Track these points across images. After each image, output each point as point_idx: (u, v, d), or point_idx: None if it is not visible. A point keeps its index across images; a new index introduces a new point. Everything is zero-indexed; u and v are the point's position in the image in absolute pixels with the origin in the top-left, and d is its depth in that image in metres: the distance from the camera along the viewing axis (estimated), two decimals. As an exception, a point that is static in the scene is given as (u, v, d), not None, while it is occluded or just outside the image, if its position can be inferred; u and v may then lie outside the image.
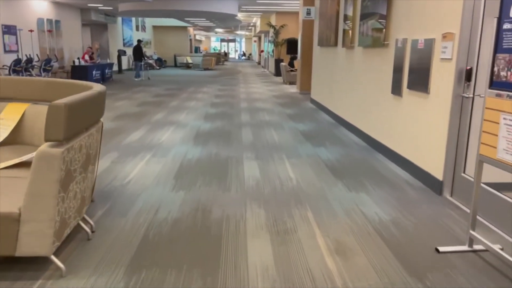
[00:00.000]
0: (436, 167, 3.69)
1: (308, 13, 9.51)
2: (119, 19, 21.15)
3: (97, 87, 2.83)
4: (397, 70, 4.55)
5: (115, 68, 20.21)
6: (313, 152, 5.19)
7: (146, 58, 17.24)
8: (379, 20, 5.06)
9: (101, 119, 3.08)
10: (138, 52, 16.27)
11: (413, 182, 3.99)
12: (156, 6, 14.25)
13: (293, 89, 13.37)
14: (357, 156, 5.03)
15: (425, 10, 3.97)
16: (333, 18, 7.54)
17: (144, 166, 4.43)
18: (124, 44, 22.00)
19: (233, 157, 4.86)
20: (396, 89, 4.57)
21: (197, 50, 35.57)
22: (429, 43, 3.80)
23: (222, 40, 56.95)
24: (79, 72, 13.17)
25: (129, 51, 22.69)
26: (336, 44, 7.40)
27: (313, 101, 9.76)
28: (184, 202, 3.44)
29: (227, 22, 24.31)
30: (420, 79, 3.99)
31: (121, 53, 19.97)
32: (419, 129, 4.04)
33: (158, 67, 24.58)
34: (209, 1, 14.75)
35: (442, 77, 3.60)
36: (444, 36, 3.54)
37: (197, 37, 46.33)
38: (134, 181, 3.93)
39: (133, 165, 4.46)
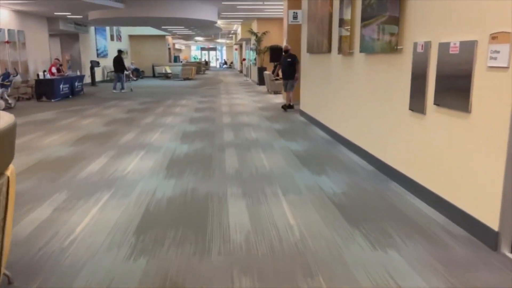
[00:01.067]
0: (488, 212, 2.77)
1: (295, 17, 8.63)
2: (92, 28, 19.97)
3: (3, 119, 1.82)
4: (418, 81, 3.65)
5: (88, 80, 18.98)
6: (314, 183, 4.23)
7: (127, 70, 16.14)
8: (389, 22, 4.17)
9: (10, 167, 2.05)
10: (119, 63, 15.18)
11: (454, 230, 3.04)
12: (129, 13, 13.20)
13: (278, 99, 12.46)
14: (368, 187, 4.09)
15: (457, 6, 3.08)
16: (325, 21, 6.66)
17: (97, 214, 3.39)
18: (98, 55, 20.80)
19: (215, 195, 3.85)
20: (417, 105, 3.66)
21: (176, 59, 34.47)
22: (469, 46, 2.90)
23: (203, 49, 55.98)
24: (43, 86, 11.97)
25: (104, 62, 21.49)
26: (329, 51, 6.51)
27: (303, 114, 8.85)
28: (145, 277, 2.41)
29: (207, 30, 23.38)
30: (454, 93, 3.09)
31: (94, 64, 18.77)
32: (456, 159, 3.12)
33: (135, 78, 23.40)
34: (187, 8, 13.78)
35: (492, 91, 2.70)
36: (494, 37, 2.63)
37: (177, 46, 45.24)
38: (78, 242, 2.89)
39: (82, 213, 3.41)
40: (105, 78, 21.64)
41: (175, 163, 5.00)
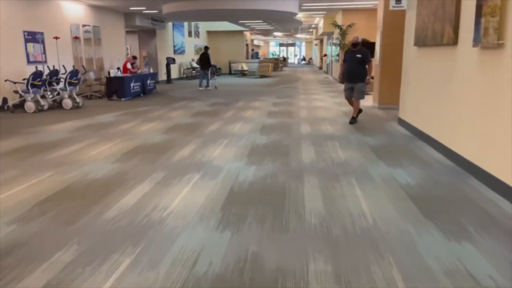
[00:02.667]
0: None
1: (398, 1, 6.79)
2: (169, 24, 19.59)
3: None
4: None
5: (164, 77, 18.62)
6: (458, 262, 2.55)
7: (213, 66, 15.76)
8: None
9: None
10: (205, 60, 14.91)
11: None
12: (203, 5, 12.21)
13: (368, 102, 10.59)
14: (558, 277, 2.34)
15: None
16: (449, 2, 4.81)
17: None
18: (174, 52, 20.42)
19: (289, 274, 2.38)
20: None
21: (257, 55, 33.60)
22: None
23: (281, 45, 54.73)
24: (114, 85, 11.44)
25: (180, 59, 21.11)
26: (455, 42, 4.66)
27: (403, 123, 7.00)
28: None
29: (286, 24, 21.92)
30: None
31: (169, 61, 18.33)
32: None
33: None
34: (265, -2, 12.44)
35: None
36: None
37: (255, 42, 44.50)
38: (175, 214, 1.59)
39: None
40: (182, 75, 21.26)
41: (234, 200, 3.61)
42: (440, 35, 5.09)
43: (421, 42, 5.93)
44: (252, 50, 40.44)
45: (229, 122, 7.70)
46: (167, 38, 19.47)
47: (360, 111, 7.65)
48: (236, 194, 3.76)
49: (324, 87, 15.88)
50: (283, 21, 19.78)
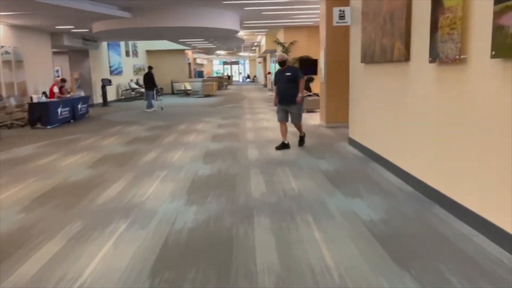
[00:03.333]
0: None
1: (342, 17, 6.50)
2: (104, 44, 18.44)
3: None
4: None
5: (100, 100, 17.36)
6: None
7: (157, 86, 14.94)
8: None
9: None
10: (149, 80, 14.27)
11: None
12: (137, 23, 11.41)
13: (315, 120, 10.27)
14: None
15: None
16: (398, 16, 4.49)
17: None
18: (111, 72, 19.22)
19: None
20: None
21: (200, 74, 32.89)
22: None
23: (225, 63, 54.60)
24: (38, 111, 10.22)
25: (118, 80, 19.91)
26: (407, 58, 4.32)
27: (354, 143, 6.64)
28: None
29: (228, 42, 21.56)
30: None
31: (105, 82, 17.14)
32: None
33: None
34: (205, 16, 11.89)
35: None
36: None
37: (198, 61, 43.90)
38: None
39: None
40: (120, 97, 20.03)
41: (168, 259, 2.89)
42: (389, 50, 4.76)
43: (368, 58, 5.61)
44: (195, 69, 39.77)
45: (168, 150, 6.93)
46: (101, 58, 18.27)
47: (303, 136, 7.03)
48: (171, 249, 3.03)
49: (270, 105, 15.53)
50: (224, 39, 19.38)
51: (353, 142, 6.72)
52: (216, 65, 55.46)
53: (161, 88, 24.22)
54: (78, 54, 16.84)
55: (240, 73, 55.38)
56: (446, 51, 3.42)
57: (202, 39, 19.11)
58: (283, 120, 6.72)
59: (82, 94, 12.99)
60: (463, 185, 3.36)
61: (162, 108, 14.67)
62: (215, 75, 48.23)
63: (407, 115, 4.44)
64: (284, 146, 6.69)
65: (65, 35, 14.37)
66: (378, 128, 5.45)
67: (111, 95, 19.08)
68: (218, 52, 34.56)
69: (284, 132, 6.76)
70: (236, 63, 54.76)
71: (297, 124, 6.77)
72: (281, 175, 5.08)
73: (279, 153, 6.47)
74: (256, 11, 12.60)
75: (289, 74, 6.50)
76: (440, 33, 3.49)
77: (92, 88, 17.15)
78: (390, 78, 4.92)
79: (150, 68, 14.75)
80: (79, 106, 12.01)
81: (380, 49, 5.11)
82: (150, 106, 14.20)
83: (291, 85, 6.45)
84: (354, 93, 6.71)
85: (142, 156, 6.49)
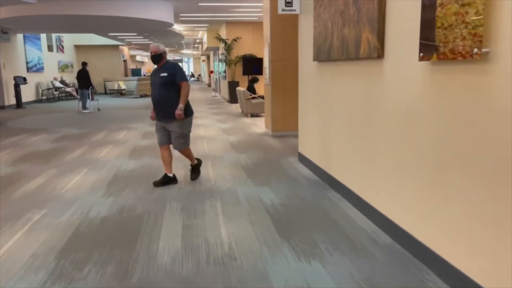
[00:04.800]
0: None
1: (289, 3, 5.19)
2: (19, 37, 15.92)
3: None
4: None
5: (12, 101, 14.90)
6: None
7: (92, 85, 13.72)
8: None
9: None
10: (84, 77, 13.12)
11: None
12: (46, 10, 9.43)
13: (259, 127, 8.96)
14: None
15: None
16: (369, 1, 3.24)
17: None
18: (28, 69, 16.69)
19: None
20: None
21: (137, 72, 30.47)
22: None
23: (168, 61, 52.08)
24: None
25: (38, 78, 17.40)
26: (380, 54, 3.07)
27: (305, 161, 5.36)
28: None
29: (166, 37, 19.73)
30: None
31: (18, 81, 14.71)
32: None
33: (79, 97, 19.34)
34: (132, 5, 10.15)
35: None
36: None
37: (138, 58, 41.24)
38: None
39: None
40: (40, 97, 17.53)
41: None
42: (353, 44, 3.50)
43: (323, 55, 4.34)
44: (136, 67, 37.13)
45: (65, 172, 5.23)
46: (16, 53, 15.73)
47: (198, 164, 4.91)
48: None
49: (212, 107, 14.05)
50: (160, 34, 17.57)
51: (303, 159, 5.45)
52: (159, 63, 52.74)
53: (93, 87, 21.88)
54: (-16, 47, 14.28)
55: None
56: (452, 42, 2.17)
57: (135, 33, 17.17)
58: (163, 144, 4.57)
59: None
60: (444, 235, 2.13)
61: (99, 109, 13.43)
62: (157, 73, 45.68)
63: (379, 136, 3.19)
64: (166, 180, 4.57)
65: (-39, 23, 11.91)
66: (335, 144, 4.19)
67: (30, 95, 16.59)
68: (158, 49, 32.35)
69: (166, 160, 4.59)
70: (180, 61, 52.47)
71: (180, 149, 4.60)
72: (207, 215, 3.65)
73: (212, 173, 5.03)
74: (192, 3, 11.07)
75: (164, 75, 4.31)
76: (441, 14, 2.24)
77: (3, 87, 14.66)
78: (354, 81, 3.66)
79: (84, 64, 13.50)
80: (-26, 109, 9.78)
81: (339, 43, 3.84)
82: (84, 107, 13.05)
83: (167, 91, 4.32)
84: (304, 99, 5.43)
85: (23, 183, 4.76)
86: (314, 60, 4.70)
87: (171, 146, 4.63)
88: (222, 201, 4.02)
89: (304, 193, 4.24)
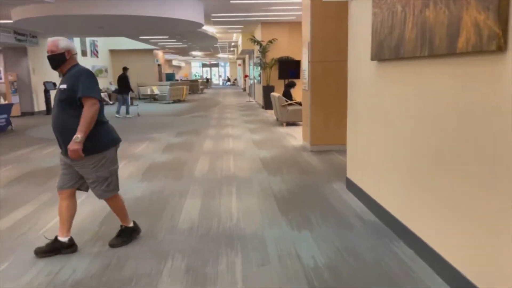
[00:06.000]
0: None
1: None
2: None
3: None
4: None
5: (42, 107, 14.55)
6: None
7: (132, 90, 13.85)
8: None
9: None
10: (124, 83, 12.98)
11: None
12: (64, 9, 8.72)
13: (295, 139, 7.78)
14: None
15: None
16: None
17: None
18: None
19: None
20: None
21: (171, 77, 30.07)
22: None
23: (204, 65, 51.94)
24: None
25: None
26: (501, 46, 1.84)
27: (356, 191, 4.12)
28: None
29: (201, 41, 18.97)
30: None
31: (48, 86, 14.33)
32: None
33: (111, 102, 18.96)
34: (158, 3, 9.30)
35: None
36: None
37: (175, 63, 41.15)
38: None
39: None
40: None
41: None
42: (445, 33, 2.28)
43: (387, 52, 3.11)
44: (173, 71, 36.92)
45: (50, 205, 4.29)
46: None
47: (132, 229, 3.19)
48: None
49: (245, 114, 13.00)
50: (192, 37, 16.77)
51: (353, 187, 4.22)
52: (196, 67, 52.72)
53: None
54: (14, 52, 14.00)
55: (220, 76, 52.82)
56: None
57: (166, 36, 16.47)
58: (63, 188, 2.96)
59: (4, 101, 10.22)
60: None
61: (138, 115, 13.25)
62: (193, 78, 45.54)
63: (488, 177, 1.94)
64: (53, 247, 2.94)
65: (-13, 27, 11.55)
66: (406, 180, 2.95)
67: (60, 100, 16.26)
68: (194, 53, 31.92)
69: (64, 215, 2.98)
70: (216, 65, 52.17)
71: (101, 197, 3.01)
72: (220, 282, 2.53)
73: (236, 205, 3.91)
74: (224, 2, 10.08)
75: (63, 87, 2.84)
76: None
77: (33, 92, 14.33)
78: (443, 89, 2.43)
79: (125, 69, 13.39)
80: (-6, 117, 9.25)
81: (417, 32, 2.62)
82: (124, 112, 12.96)
83: (66, 112, 2.84)
84: (355, 110, 4.21)
85: (5, 213, 3.85)
86: (372, 59, 3.49)
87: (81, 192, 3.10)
88: (243, 257, 2.88)
89: (359, 245, 3.02)
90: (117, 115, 12.80)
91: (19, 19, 9.40)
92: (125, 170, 5.53)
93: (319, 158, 6.06)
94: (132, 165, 5.85)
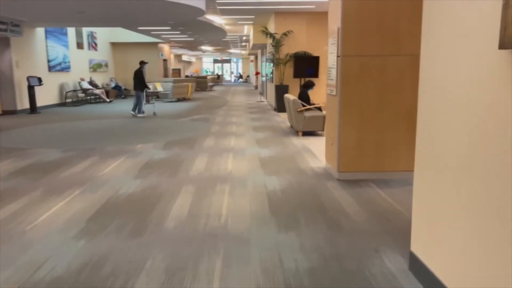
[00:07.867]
0: None
1: None
2: (39, 31, 13.99)
3: None
4: None
5: (25, 105, 12.95)
6: None
7: (148, 87, 12.40)
8: None
9: None
10: (138, 79, 11.53)
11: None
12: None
13: (316, 158, 5.92)
14: None
15: None
16: None
17: None
18: (50, 68, 14.75)
19: None
20: None
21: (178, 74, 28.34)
22: None
23: (216, 61, 50.19)
24: None
25: (63, 78, 15.46)
26: None
27: (427, 277, 2.28)
28: None
29: (206, 32, 17.17)
30: None
31: (32, 82, 12.70)
32: None
33: (109, 100, 17.30)
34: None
35: None
36: None
37: (185, 58, 39.50)
38: None
39: None
40: (64, 100, 15.57)
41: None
42: None
43: None
44: (183, 67, 35.27)
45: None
46: (33, 49, 13.77)
47: None
48: None
49: (254, 118, 11.17)
50: (197, 28, 14.98)
51: (422, 272, 2.36)
52: (207, 63, 51.01)
53: (125, 89, 19.88)
54: (-4, 42, 12.41)
55: (232, 72, 51.03)
56: None
57: (168, 27, 14.71)
58: None
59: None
60: None
61: (154, 114, 11.91)
62: (204, 74, 43.83)
63: None
64: None
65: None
66: None
67: (51, 97, 14.67)
68: (204, 48, 30.19)
69: None
70: (228, 61, 50.38)
71: None
72: None
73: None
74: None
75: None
76: None
77: (16, 89, 12.73)
78: None
79: (142, 63, 11.74)
80: None
81: None
82: (140, 111, 11.56)
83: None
84: (442, 135, 2.34)
85: None
86: (500, 47, 1.62)
87: None
88: None
89: None
90: (139, 115, 11.48)
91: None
92: (74, 207, 3.75)
93: (353, 195, 4.19)
94: (83, 202, 4.06)
